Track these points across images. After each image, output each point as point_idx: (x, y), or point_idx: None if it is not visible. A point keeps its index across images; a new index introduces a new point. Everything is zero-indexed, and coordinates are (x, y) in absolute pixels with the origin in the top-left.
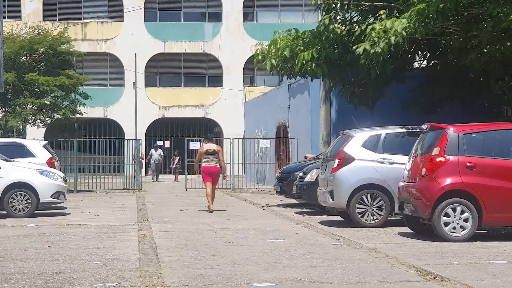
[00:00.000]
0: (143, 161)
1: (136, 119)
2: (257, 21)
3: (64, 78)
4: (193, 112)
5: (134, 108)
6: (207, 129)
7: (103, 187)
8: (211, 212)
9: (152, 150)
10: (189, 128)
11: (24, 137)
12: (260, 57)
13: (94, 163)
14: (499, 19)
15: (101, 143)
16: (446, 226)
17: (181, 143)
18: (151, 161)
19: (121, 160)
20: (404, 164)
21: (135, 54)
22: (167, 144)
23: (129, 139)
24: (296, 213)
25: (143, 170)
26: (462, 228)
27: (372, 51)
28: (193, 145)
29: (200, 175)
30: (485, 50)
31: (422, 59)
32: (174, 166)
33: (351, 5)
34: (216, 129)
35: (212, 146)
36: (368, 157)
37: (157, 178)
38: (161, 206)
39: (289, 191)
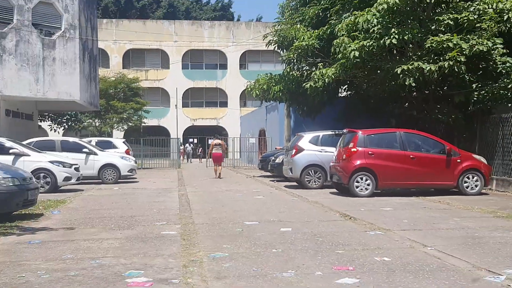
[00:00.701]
0: (183, 151)
1: (177, 126)
2: (248, 69)
3: (134, 104)
4: (210, 122)
5: (176, 120)
6: (219, 132)
7: (158, 166)
8: (219, 178)
9: (187, 145)
10: (208, 131)
11: (111, 137)
12: (249, 89)
13: (153, 152)
14: (388, 70)
15: (156, 140)
16: (357, 188)
17: (203, 140)
18: (186, 151)
19: (168, 150)
20: (333, 152)
21: (176, 88)
22: (195, 141)
23: (172, 138)
24: (270, 181)
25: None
26: (366, 189)
27: (314, 86)
28: (211, 141)
29: (211, 159)
30: (379, 87)
31: (344, 91)
32: (199, 153)
33: (302, 59)
34: (224, 132)
35: (218, 141)
36: (312, 148)
37: (190, 161)
38: (192, 177)
39: (266, 168)
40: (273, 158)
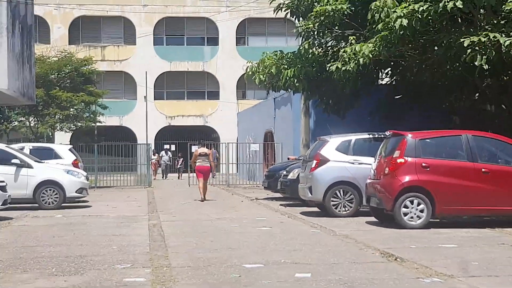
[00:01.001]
0: (155, 163)
1: (146, 127)
2: (248, 45)
3: (85, 95)
4: (194, 121)
5: (145, 117)
6: (206, 135)
7: (119, 184)
8: (203, 201)
9: (163, 153)
10: (191, 134)
11: (53, 142)
12: (250, 73)
13: (112, 164)
14: (449, 45)
15: (117, 147)
16: (405, 215)
17: (184, 147)
18: (161, 161)
19: (134, 161)
20: (370, 164)
21: (146, 72)
22: (173, 147)
23: (140, 144)
24: (281, 205)
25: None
26: (419, 217)
27: (343, 68)
28: (194, 149)
29: (195, 173)
30: (437, 70)
31: (385, 76)
32: (178, 166)
33: (326, 32)
34: (214, 135)
35: (204, 150)
36: (340, 158)
37: (166, 177)
38: (168, 200)
39: (274, 186)
40: (284, 172)
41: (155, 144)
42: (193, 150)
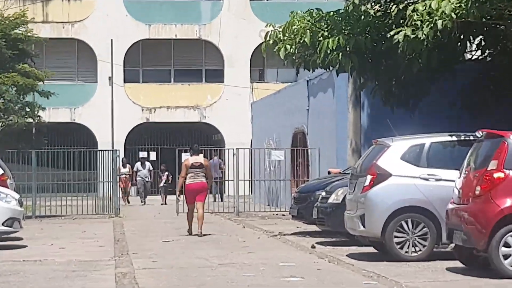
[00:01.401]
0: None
1: (112, 124)
2: None
3: (18, 76)
4: (186, 115)
5: (110, 110)
6: (204, 136)
7: (70, 211)
8: (200, 235)
9: (138, 165)
10: (181, 135)
11: None
12: (271, 42)
13: (59, 181)
14: None
15: (68, 155)
16: (506, 259)
17: (170, 155)
18: (138, 178)
19: (93, 177)
20: (453, 181)
21: (112, 40)
22: (153, 156)
23: (103, 150)
24: (317, 243)
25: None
26: None
27: (413, 36)
28: (184, 158)
29: (184, 196)
30: None
31: (476, 48)
32: (162, 184)
33: None
34: (216, 137)
35: (198, 159)
36: (408, 172)
37: (144, 201)
38: (146, 236)
39: (308, 215)
40: (322, 194)
41: (126, 151)
42: (183, 160)
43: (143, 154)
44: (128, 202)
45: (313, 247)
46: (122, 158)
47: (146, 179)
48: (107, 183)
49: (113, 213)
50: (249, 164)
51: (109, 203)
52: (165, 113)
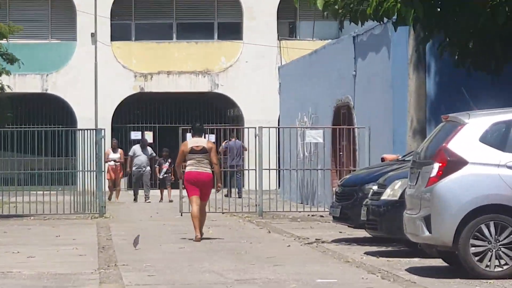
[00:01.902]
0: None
1: (96, 96)
2: None
3: None
4: (192, 83)
5: (93, 78)
6: (216, 111)
7: (41, 210)
8: (199, 241)
9: (136, 148)
10: (186, 110)
11: None
12: None
13: (26, 170)
14: None
15: (38, 135)
16: None
17: (171, 136)
18: (134, 168)
19: (71, 165)
20: None
21: None
22: (149, 137)
23: (84, 129)
24: (366, 253)
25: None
26: None
27: None
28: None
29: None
30: None
31: None
32: (162, 175)
33: None
34: (232, 112)
35: (200, 142)
36: (490, 158)
37: (147, 197)
38: (140, 243)
39: (355, 216)
40: (374, 188)
41: (114, 131)
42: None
43: (135, 134)
44: (117, 199)
45: (361, 258)
46: (112, 140)
47: (143, 169)
48: (89, 172)
49: (97, 212)
50: (276, 149)
51: (92, 199)
52: (165, 81)
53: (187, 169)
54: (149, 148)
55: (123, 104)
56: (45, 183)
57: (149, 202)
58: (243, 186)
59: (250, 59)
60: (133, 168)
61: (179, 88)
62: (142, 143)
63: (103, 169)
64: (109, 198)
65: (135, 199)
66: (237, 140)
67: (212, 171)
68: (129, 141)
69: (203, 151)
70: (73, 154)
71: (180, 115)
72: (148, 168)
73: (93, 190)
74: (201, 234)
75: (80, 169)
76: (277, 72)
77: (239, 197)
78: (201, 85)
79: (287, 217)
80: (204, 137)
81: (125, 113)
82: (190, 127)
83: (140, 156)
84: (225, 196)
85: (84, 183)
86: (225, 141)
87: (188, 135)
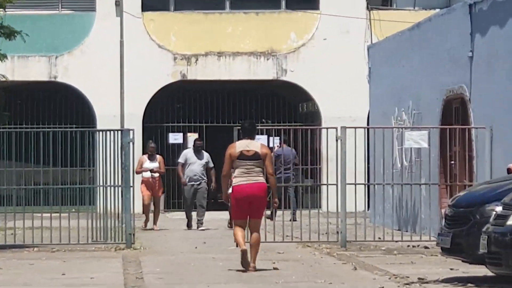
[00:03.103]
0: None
1: (121, 86)
2: None
3: None
4: (252, 68)
5: (118, 61)
6: (283, 106)
7: (49, 238)
8: (253, 270)
9: (189, 153)
10: (244, 105)
11: None
12: None
13: (28, 184)
14: None
15: (44, 138)
16: None
17: (224, 139)
18: (188, 180)
19: (88, 178)
20: None
21: None
22: (196, 140)
23: (105, 130)
24: None
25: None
26: None
27: None
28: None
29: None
30: None
31: None
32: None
33: None
34: (305, 107)
35: (252, 145)
36: None
37: (201, 222)
38: (180, 283)
39: (471, 247)
40: (497, 209)
41: (146, 132)
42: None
43: (175, 137)
44: (155, 226)
45: None
46: (149, 143)
47: (198, 183)
48: (112, 188)
49: (123, 241)
50: (364, 156)
51: (117, 224)
52: (215, 66)
53: (235, 182)
54: (205, 154)
55: (158, 96)
56: (53, 203)
57: (203, 229)
58: (320, 207)
59: (330, 36)
60: (188, 183)
61: (233, 75)
62: (196, 146)
63: (131, 183)
64: (145, 225)
65: (189, 225)
66: (287, 147)
67: (264, 181)
68: (166, 146)
69: (256, 157)
70: (91, 163)
71: (235, 111)
72: (205, 182)
73: (118, 212)
74: (255, 265)
75: (101, 184)
76: (365, 53)
77: (293, 220)
78: (264, 71)
79: (379, 249)
80: (253, 140)
81: (161, 108)
82: (240, 125)
83: (193, 164)
84: (290, 220)
85: (106, 203)
86: (277, 146)
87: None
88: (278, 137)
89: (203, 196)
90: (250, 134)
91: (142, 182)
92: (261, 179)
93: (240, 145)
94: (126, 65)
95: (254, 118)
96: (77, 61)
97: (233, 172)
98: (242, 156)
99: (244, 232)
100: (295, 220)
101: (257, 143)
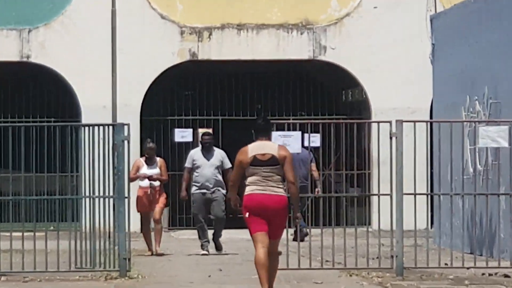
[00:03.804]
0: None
1: (113, 68)
2: None
3: None
4: (281, 45)
5: (109, 36)
6: (322, 93)
7: (21, 265)
8: None
9: (196, 154)
10: (271, 92)
11: None
12: None
13: None
14: None
15: (14, 135)
16: None
17: (246, 135)
18: (195, 187)
19: (71, 187)
20: None
21: None
22: (208, 136)
23: (92, 125)
24: None
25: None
26: None
27: None
28: (284, 138)
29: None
30: None
31: None
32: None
33: None
34: (350, 95)
35: (268, 148)
36: None
37: (219, 245)
38: None
39: None
40: None
41: (145, 127)
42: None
43: (182, 134)
44: (157, 246)
45: None
46: (147, 143)
47: (211, 191)
48: (102, 200)
49: (116, 268)
50: (426, 158)
51: (108, 245)
52: (234, 42)
53: (247, 190)
54: (217, 152)
55: (161, 82)
56: (26, 218)
57: (219, 252)
58: (369, 225)
59: (381, 4)
60: (193, 190)
61: (257, 54)
62: (204, 143)
63: (126, 194)
64: (149, 249)
65: (204, 246)
66: (302, 149)
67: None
68: (170, 146)
69: (273, 161)
70: (75, 168)
71: (259, 100)
72: (221, 190)
73: (109, 230)
74: None
75: (88, 194)
76: (428, 25)
77: (300, 240)
78: (296, 49)
79: (445, 278)
80: (268, 140)
81: (165, 97)
82: (261, 117)
83: (203, 167)
84: (294, 240)
85: (94, 219)
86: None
87: (277, 134)
88: (316, 134)
89: (220, 207)
90: (265, 133)
91: (138, 195)
92: (280, 191)
93: (254, 149)
94: (119, 41)
95: (283, 109)
96: (56, 36)
97: (246, 180)
98: (256, 162)
99: (266, 249)
100: (302, 240)
101: (274, 145)
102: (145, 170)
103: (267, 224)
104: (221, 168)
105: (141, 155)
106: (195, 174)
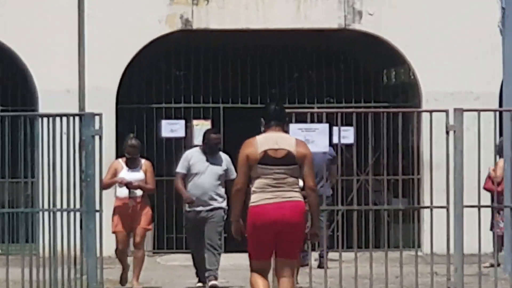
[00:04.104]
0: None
1: (80, 43)
2: None
3: None
4: (303, 9)
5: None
6: (357, 73)
7: None
8: None
9: (193, 155)
10: (289, 71)
11: None
12: None
13: None
14: None
15: None
16: None
17: (256, 128)
18: (189, 200)
19: (23, 197)
20: None
21: None
22: (201, 130)
23: (54, 115)
24: None
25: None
26: None
27: None
28: (306, 133)
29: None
30: None
31: None
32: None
33: None
34: (394, 76)
35: (282, 141)
36: None
37: (213, 274)
38: None
39: None
40: None
41: (122, 117)
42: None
43: (172, 126)
44: (135, 281)
45: None
46: (128, 139)
47: (208, 208)
48: (66, 214)
49: None
50: (494, 159)
51: (74, 274)
52: (240, 5)
53: (254, 199)
54: (222, 157)
55: (144, 59)
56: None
57: (215, 285)
58: (419, 246)
59: None
60: (187, 205)
61: (271, 22)
62: (210, 145)
63: (97, 206)
64: (123, 279)
65: (200, 278)
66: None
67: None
68: (156, 142)
69: (288, 160)
70: (30, 171)
71: (273, 82)
72: (222, 201)
73: (75, 254)
74: None
75: (46, 207)
76: None
77: (319, 266)
78: (322, 15)
79: None
80: (282, 133)
81: (148, 78)
82: (274, 104)
83: (201, 175)
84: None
85: (55, 239)
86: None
87: (296, 127)
88: (349, 127)
89: (216, 230)
90: (279, 122)
91: (115, 208)
92: (297, 195)
93: (264, 142)
94: (87, 5)
95: (305, 95)
96: (9, 7)
97: (252, 185)
98: (267, 159)
99: (268, 283)
100: (322, 267)
101: (291, 139)
102: (124, 174)
103: (274, 246)
104: (224, 178)
105: (118, 156)
106: (189, 184)
